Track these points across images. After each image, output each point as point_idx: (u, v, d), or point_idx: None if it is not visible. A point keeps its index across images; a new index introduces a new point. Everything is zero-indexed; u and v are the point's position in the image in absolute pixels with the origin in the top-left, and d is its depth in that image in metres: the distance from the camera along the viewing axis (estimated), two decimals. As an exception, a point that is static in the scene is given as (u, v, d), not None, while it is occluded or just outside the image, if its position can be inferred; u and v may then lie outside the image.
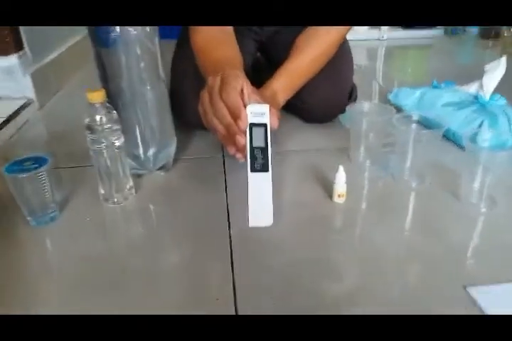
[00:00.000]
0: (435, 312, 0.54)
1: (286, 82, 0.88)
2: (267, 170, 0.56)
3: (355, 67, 1.09)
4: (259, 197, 0.57)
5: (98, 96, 0.68)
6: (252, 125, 0.56)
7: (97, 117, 0.69)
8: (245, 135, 0.58)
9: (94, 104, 0.68)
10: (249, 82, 0.70)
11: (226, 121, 0.63)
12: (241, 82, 0.67)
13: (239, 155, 0.68)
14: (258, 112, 0.56)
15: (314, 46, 0.91)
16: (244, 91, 0.65)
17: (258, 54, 1.19)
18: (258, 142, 0.56)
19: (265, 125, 0.56)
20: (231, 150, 0.67)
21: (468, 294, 0.56)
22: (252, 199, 0.58)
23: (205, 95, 0.70)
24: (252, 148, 0.56)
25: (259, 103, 0.63)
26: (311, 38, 0.92)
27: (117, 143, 0.72)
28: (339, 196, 0.75)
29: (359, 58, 1.13)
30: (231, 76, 0.68)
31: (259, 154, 0.56)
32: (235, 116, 0.61)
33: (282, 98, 0.87)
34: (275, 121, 0.64)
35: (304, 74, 0.91)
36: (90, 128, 0.69)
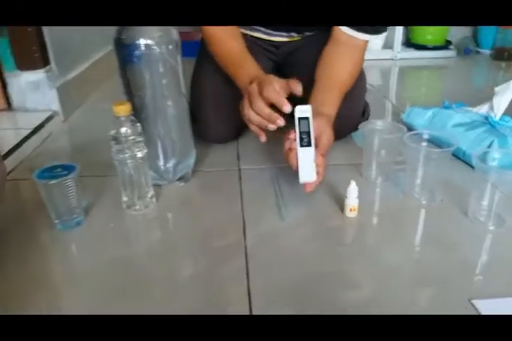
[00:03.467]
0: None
1: (325, 97, 0.92)
2: (310, 146, 0.78)
3: (368, 86, 1.13)
4: (306, 163, 0.78)
5: (124, 110, 0.72)
6: (299, 118, 0.78)
7: (123, 129, 0.73)
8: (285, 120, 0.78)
9: (119, 117, 0.72)
10: (282, 81, 0.79)
11: (265, 112, 0.78)
12: (276, 82, 0.78)
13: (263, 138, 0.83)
14: (302, 110, 0.78)
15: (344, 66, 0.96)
16: (278, 87, 0.78)
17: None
18: (304, 128, 0.78)
19: (308, 118, 0.78)
20: (262, 137, 0.83)
21: (473, 307, 0.58)
22: (301, 164, 0.78)
23: (246, 100, 0.81)
24: (300, 132, 0.78)
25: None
26: (332, 68, 0.96)
27: (140, 154, 0.76)
28: (351, 210, 0.78)
29: (372, 78, 1.17)
30: (267, 80, 0.78)
31: (305, 136, 0.78)
32: (279, 106, 0.76)
33: (329, 111, 0.90)
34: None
35: (338, 89, 0.94)
36: (116, 139, 0.73)
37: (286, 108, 0.76)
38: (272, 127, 0.79)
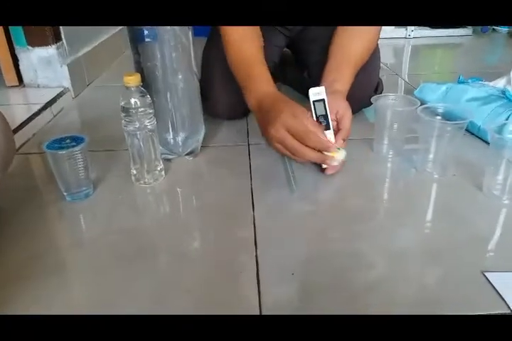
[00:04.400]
0: (453, 295, 0.55)
1: (339, 72, 0.90)
2: (329, 129, 0.78)
3: (382, 65, 1.11)
4: None
5: (134, 80, 0.72)
6: (314, 101, 0.76)
7: (132, 100, 0.72)
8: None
9: (130, 88, 0.72)
10: (304, 111, 0.76)
11: (314, 157, 0.75)
12: (307, 120, 0.74)
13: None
14: (316, 92, 0.77)
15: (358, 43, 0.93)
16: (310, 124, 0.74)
17: (285, 49, 1.21)
18: (320, 111, 0.77)
19: (323, 100, 0.76)
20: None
21: (485, 279, 0.57)
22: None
23: (279, 146, 0.76)
24: (317, 116, 0.77)
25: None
26: (346, 43, 0.93)
27: (150, 126, 0.76)
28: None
29: (385, 56, 1.14)
30: (297, 123, 0.73)
31: (322, 119, 0.77)
32: (321, 148, 0.74)
33: (343, 87, 0.88)
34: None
35: (351, 65, 0.91)
36: (125, 110, 0.73)
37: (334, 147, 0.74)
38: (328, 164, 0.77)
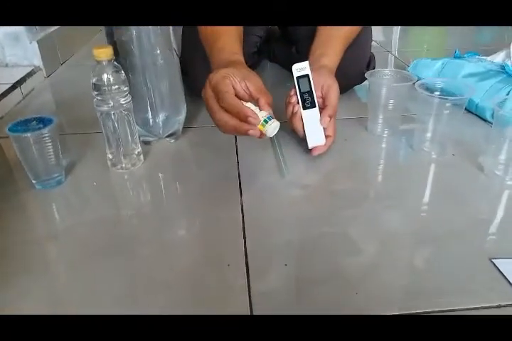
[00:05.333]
0: (461, 283, 0.51)
1: (326, 49, 0.82)
2: (314, 106, 0.73)
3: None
4: (313, 126, 0.73)
5: (105, 53, 0.65)
6: (298, 77, 0.72)
7: (104, 76, 0.65)
8: (258, 126, 0.62)
9: (101, 62, 0.65)
10: (239, 75, 0.66)
11: (230, 125, 0.63)
12: (229, 83, 0.64)
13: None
14: (300, 68, 0.72)
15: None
16: (234, 84, 0.65)
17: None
18: (304, 88, 0.72)
19: (307, 75, 0.72)
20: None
21: (493, 266, 0.53)
22: (307, 128, 0.73)
23: (207, 108, 0.67)
24: (301, 93, 0.72)
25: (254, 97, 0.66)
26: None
27: (125, 105, 0.69)
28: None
29: (375, 33, 1.09)
30: (219, 81, 0.64)
31: (307, 96, 0.72)
32: (241, 117, 0.62)
33: (331, 62, 0.81)
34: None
35: (341, 39, 0.85)
36: (97, 88, 0.66)
37: (253, 120, 0.60)
38: (253, 135, 0.62)
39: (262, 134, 0.62)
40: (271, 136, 0.63)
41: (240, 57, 0.74)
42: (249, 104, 0.64)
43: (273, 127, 0.62)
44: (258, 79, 0.67)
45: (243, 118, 0.61)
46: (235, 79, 0.65)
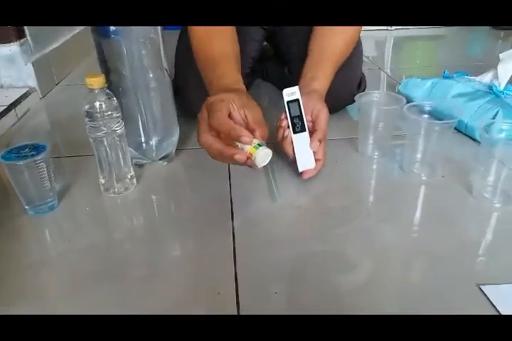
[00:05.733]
0: (448, 310, 0.51)
1: (318, 72, 0.83)
2: (304, 131, 0.74)
3: (364, 58, 1.06)
4: (303, 150, 0.74)
5: (98, 82, 0.66)
6: (288, 102, 0.72)
7: (97, 103, 0.66)
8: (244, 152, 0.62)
9: (93, 90, 0.66)
10: (239, 102, 0.66)
11: (215, 148, 0.62)
12: (225, 105, 0.64)
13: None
14: (290, 92, 0.72)
15: (334, 45, 0.87)
16: (232, 110, 0.65)
17: (265, 43, 1.16)
18: (295, 112, 0.73)
19: (298, 99, 0.72)
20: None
21: (481, 293, 0.53)
22: (297, 152, 0.74)
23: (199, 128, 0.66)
24: (291, 118, 0.73)
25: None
26: (326, 38, 0.87)
27: (118, 131, 0.70)
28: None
29: (367, 49, 1.10)
30: (215, 102, 0.65)
31: (297, 120, 0.73)
32: (232, 136, 0.61)
33: (321, 86, 0.82)
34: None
35: (332, 62, 0.86)
36: (90, 115, 0.67)
37: (245, 138, 0.59)
38: (238, 159, 0.60)
39: (249, 159, 0.61)
40: (260, 164, 0.61)
41: (243, 86, 0.75)
42: None
43: (264, 153, 0.61)
44: (258, 109, 0.67)
45: (235, 136, 0.60)
46: (233, 105, 0.65)
